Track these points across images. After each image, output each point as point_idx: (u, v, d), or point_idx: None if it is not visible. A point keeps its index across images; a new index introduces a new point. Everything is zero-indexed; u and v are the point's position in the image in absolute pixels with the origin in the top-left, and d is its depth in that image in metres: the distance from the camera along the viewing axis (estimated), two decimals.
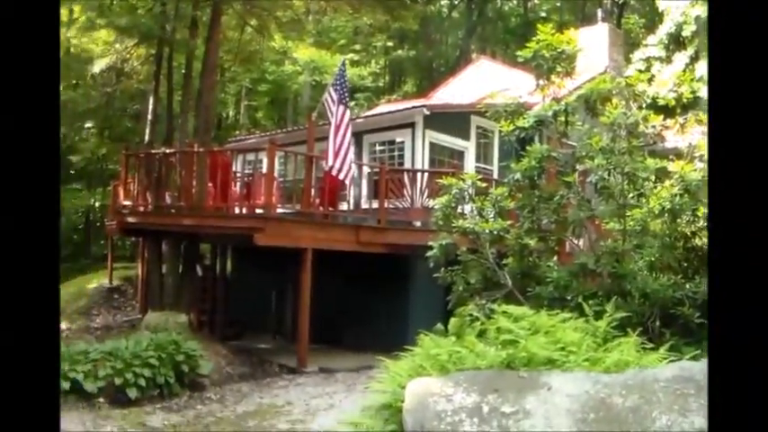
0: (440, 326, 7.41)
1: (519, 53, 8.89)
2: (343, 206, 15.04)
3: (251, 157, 16.52)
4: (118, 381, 10.62)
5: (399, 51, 37.19)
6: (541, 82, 8.76)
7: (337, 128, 13.17)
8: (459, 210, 9.06)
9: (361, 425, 6.41)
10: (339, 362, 13.30)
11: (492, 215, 8.80)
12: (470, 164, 16.19)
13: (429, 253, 8.80)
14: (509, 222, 8.59)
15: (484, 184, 9.37)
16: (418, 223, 14.50)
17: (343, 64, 14.09)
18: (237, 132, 31.33)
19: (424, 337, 6.61)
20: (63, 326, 17.79)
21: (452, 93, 21.96)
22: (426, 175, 14.50)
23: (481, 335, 6.45)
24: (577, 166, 8.39)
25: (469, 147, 16.41)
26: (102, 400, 10.47)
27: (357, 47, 35.76)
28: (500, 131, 9.28)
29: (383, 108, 20.73)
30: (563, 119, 8.57)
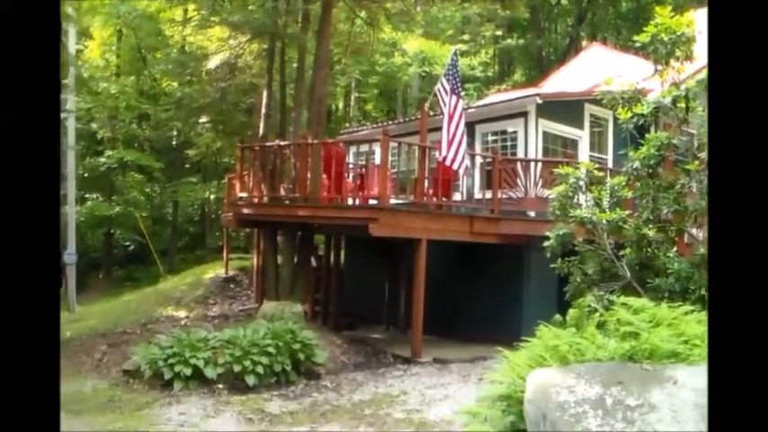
0: (558, 317, 7.36)
1: (635, 38, 8.65)
2: (456, 196, 15.01)
3: (363, 148, 16.62)
4: (236, 368, 10.90)
5: (509, 40, 36.84)
6: (659, 67, 8.51)
7: (450, 118, 13.13)
8: (575, 200, 8.94)
9: (479, 415, 6.40)
10: (453, 352, 13.29)
11: (609, 205, 8.66)
12: (584, 153, 15.92)
13: (545, 243, 8.72)
14: (627, 212, 8.42)
15: (600, 174, 9.22)
16: (532, 213, 14.36)
17: (455, 54, 14.00)
18: (348, 124, 31.59)
19: (543, 327, 6.55)
20: (181, 314, 18.31)
21: (564, 81, 21.64)
22: (540, 164, 14.34)
23: (600, 326, 6.37)
24: (699, 154, 8.14)
25: (583, 135, 16.14)
26: (221, 386, 10.76)
27: (465, 37, 35.53)
28: (616, 119, 9.11)
29: (495, 98, 20.57)
30: (683, 105, 8.32)
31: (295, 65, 19.38)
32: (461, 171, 13.72)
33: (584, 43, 34.42)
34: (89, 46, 34.56)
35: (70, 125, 25.53)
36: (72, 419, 9.29)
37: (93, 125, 32.04)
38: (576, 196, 8.96)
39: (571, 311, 7.31)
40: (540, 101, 15.09)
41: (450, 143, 13.11)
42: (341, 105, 37.63)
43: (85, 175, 30.54)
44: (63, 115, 26.29)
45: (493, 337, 11.55)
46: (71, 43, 25.33)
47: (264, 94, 18.66)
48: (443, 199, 14.33)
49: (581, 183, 8.83)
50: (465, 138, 13.43)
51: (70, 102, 25.64)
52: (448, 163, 13.24)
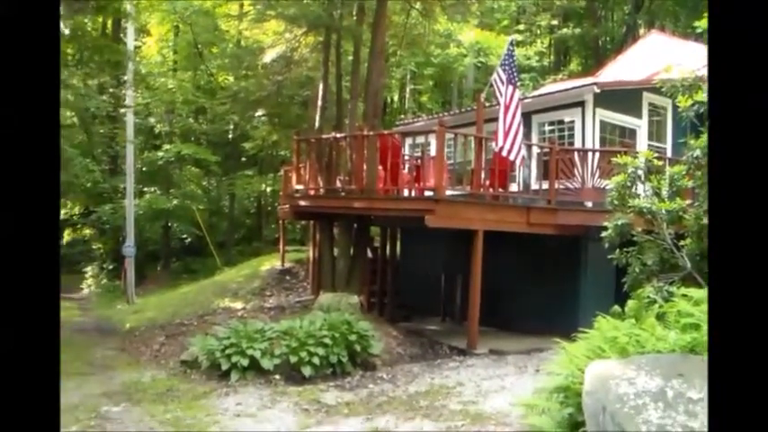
0: (617, 308, 7.27)
1: (695, 24, 8.47)
2: (513, 187, 14.91)
3: (419, 140, 16.58)
4: (293, 359, 10.96)
5: (564, 30, 36.42)
6: None
7: (507, 108, 13.02)
8: (633, 189, 8.83)
9: (536, 407, 6.37)
10: (509, 344, 13.21)
11: (669, 194, 8.53)
12: (642, 142, 15.69)
13: (603, 233, 8.62)
14: (687, 202, 8.29)
15: (659, 163, 9.08)
16: (589, 204, 14.20)
17: (512, 43, 13.88)
18: (403, 116, 31.58)
19: (601, 319, 6.48)
20: (238, 305, 18.45)
21: (621, 70, 21.33)
22: (597, 154, 14.16)
23: (660, 318, 6.28)
24: None
25: (641, 125, 15.90)
26: (277, 376, 10.83)
27: (521, 27, 35.37)
28: (675, 107, 8.96)
29: (551, 87, 20.37)
30: None
31: (350, 57, 19.40)
32: (518, 162, 13.62)
33: (641, 31, 33.83)
34: (147, 42, 35.05)
35: (129, 120, 25.97)
36: (132, 408, 9.45)
37: (151, 120, 32.56)
38: (635, 186, 8.85)
39: (630, 303, 7.22)
40: (597, 90, 14.90)
41: (506, 134, 13.01)
42: (396, 97, 37.62)
43: (144, 168, 31.02)
44: (122, 110, 26.81)
45: (549, 328, 11.49)
46: (130, 40, 25.76)
47: (320, 86, 18.72)
48: (500, 190, 14.24)
49: (640, 172, 8.73)
50: (521, 128, 13.31)
51: (129, 97, 26.06)
52: (504, 153, 13.14)
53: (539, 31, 36.75)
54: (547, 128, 15.99)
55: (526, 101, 15.46)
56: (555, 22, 36.52)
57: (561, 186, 14.07)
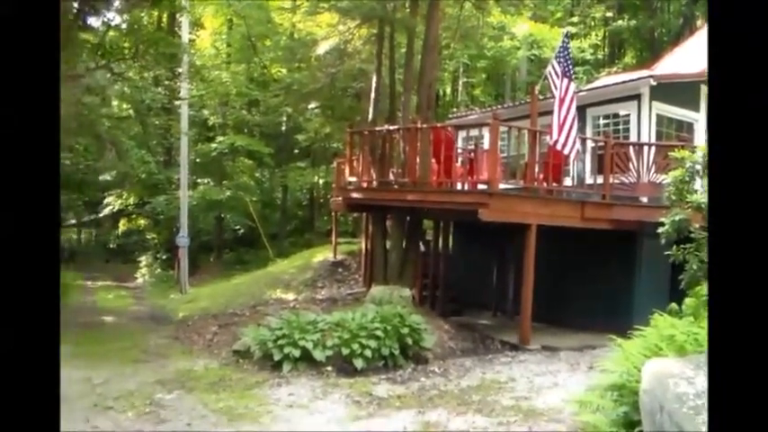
0: (674, 305, 7.16)
1: None
2: (567, 181, 14.77)
3: (472, 133, 16.49)
4: (345, 351, 11.00)
5: (619, 21, 35.91)
6: None
7: (561, 101, 12.90)
8: (691, 184, 8.68)
9: (590, 404, 6.30)
10: (561, 340, 13.13)
11: None
12: (700, 136, 15.42)
13: (660, 229, 8.48)
14: None
15: None
16: (644, 199, 14.03)
17: (567, 36, 13.75)
18: (455, 109, 31.45)
19: (658, 316, 6.40)
20: (290, 297, 18.58)
21: (678, 62, 20.97)
22: (653, 148, 13.96)
23: None
24: None
25: (699, 118, 15.63)
26: (329, 368, 10.88)
27: (575, 19, 34.95)
28: None
29: (606, 80, 20.11)
30: None
31: (404, 50, 19.36)
32: (572, 155, 13.49)
33: (698, 23, 33.27)
34: (200, 35, 35.37)
35: (183, 112, 26.25)
36: (185, 396, 9.56)
37: (205, 112, 32.83)
38: (693, 181, 8.70)
39: (687, 300, 7.12)
40: (653, 83, 14.68)
41: (561, 127, 12.89)
42: (448, 90, 37.46)
43: (197, 160, 31.30)
44: (176, 102, 27.10)
45: (602, 325, 11.39)
46: (184, 33, 26.02)
47: (373, 78, 18.72)
48: (554, 184, 14.13)
49: (698, 167, 8.57)
50: (576, 122, 13.18)
51: (184, 90, 26.34)
52: (559, 147, 13.03)
53: (593, 23, 36.28)
54: (602, 121, 15.82)
55: (581, 94, 15.29)
56: (610, 14, 36.03)
57: (616, 181, 13.90)
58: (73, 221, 42.06)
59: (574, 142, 13.06)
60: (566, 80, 12.95)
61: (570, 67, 13.18)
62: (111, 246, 41.12)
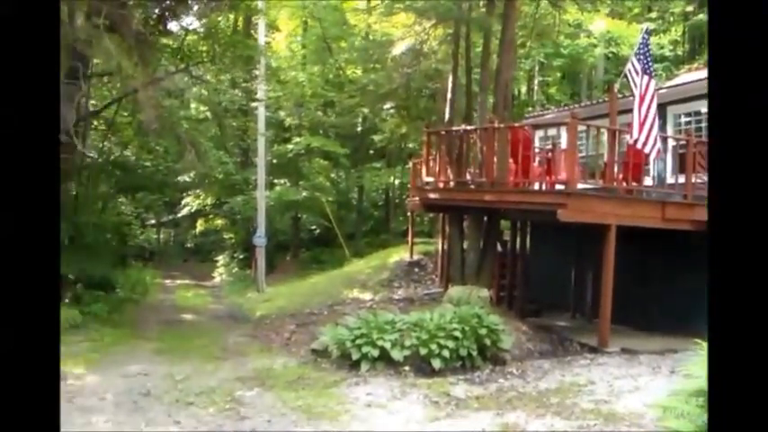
0: None
1: None
2: (647, 181, 14.52)
3: (550, 132, 16.35)
4: (423, 351, 11.01)
5: (700, 16, 35.09)
6: None
7: (642, 99, 12.66)
8: None
9: (673, 409, 6.16)
10: (642, 343, 12.88)
11: None
12: None
13: None
14: None
15: None
16: None
17: (647, 32, 13.45)
18: (530, 108, 31.18)
19: None
20: (367, 296, 18.65)
21: None
22: None
23: None
24: None
25: None
26: (407, 368, 10.91)
27: (653, 15, 34.30)
28: None
29: (687, 77, 19.72)
30: None
31: (479, 49, 19.28)
32: (653, 155, 13.21)
33: None
34: (276, 38, 35.73)
35: (260, 113, 26.58)
36: (264, 393, 9.68)
37: (281, 113, 33.12)
38: None
39: None
40: None
41: (641, 125, 12.65)
42: (523, 89, 37.15)
43: (274, 161, 31.59)
44: (253, 104, 27.44)
45: (683, 328, 11.17)
46: (261, 35, 26.35)
47: (449, 78, 18.67)
48: (633, 184, 13.91)
49: None
50: (657, 120, 12.92)
51: (260, 91, 26.66)
52: (639, 146, 12.78)
53: (672, 19, 35.51)
54: (683, 119, 15.52)
55: (661, 91, 15.01)
56: (689, 9, 35.24)
57: (699, 180, 13.58)
58: (152, 221, 42.89)
59: (655, 141, 12.79)
60: (646, 78, 12.70)
61: (650, 64, 12.91)
62: (189, 245, 41.88)
